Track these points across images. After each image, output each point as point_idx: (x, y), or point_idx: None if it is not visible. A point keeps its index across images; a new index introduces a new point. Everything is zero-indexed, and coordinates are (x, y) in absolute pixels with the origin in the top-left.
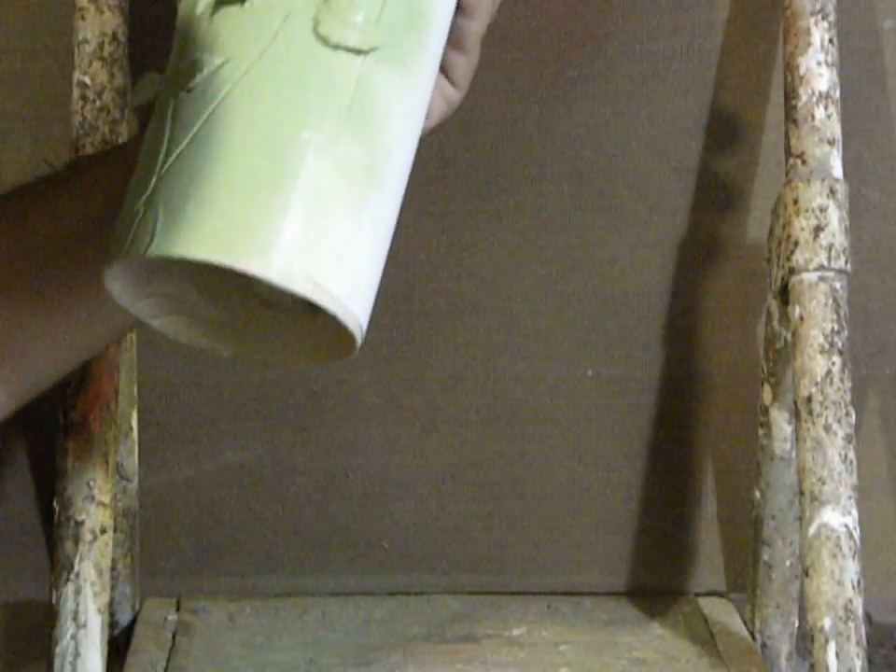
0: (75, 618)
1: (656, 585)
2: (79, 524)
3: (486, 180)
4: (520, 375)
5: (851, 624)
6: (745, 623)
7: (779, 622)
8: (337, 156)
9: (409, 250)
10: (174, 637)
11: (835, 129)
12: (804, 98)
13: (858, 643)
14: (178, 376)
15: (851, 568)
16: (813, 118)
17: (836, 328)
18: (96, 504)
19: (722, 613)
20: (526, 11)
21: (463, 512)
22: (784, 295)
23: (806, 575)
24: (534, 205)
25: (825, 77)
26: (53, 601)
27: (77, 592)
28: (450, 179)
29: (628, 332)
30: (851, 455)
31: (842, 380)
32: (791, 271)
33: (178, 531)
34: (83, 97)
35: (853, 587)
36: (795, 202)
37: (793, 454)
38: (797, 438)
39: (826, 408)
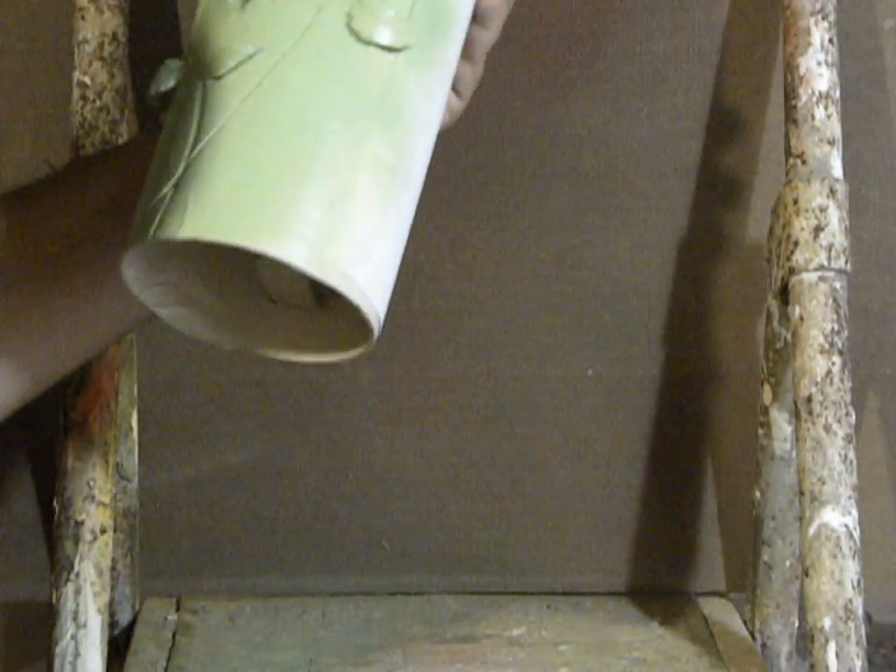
0: (75, 618)
1: (656, 585)
2: (79, 524)
3: (486, 180)
4: (520, 375)
5: (851, 624)
6: (745, 623)
7: (779, 622)
8: (365, 151)
9: (409, 250)
10: (174, 636)
11: (835, 129)
12: (804, 98)
13: (858, 643)
14: (178, 376)
15: (851, 568)
16: (813, 118)
17: (836, 328)
18: (96, 504)
19: (722, 613)
20: (527, 11)
21: (463, 512)
22: (784, 295)
23: (806, 575)
24: (534, 205)
25: (825, 77)
26: (53, 601)
27: (77, 592)
28: (450, 179)
29: (628, 332)
30: (851, 455)
31: (842, 380)
32: (791, 271)
33: (178, 531)
34: (83, 97)
35: (853, 587)
36: (795, 202)
37: (793, 454)
38: (797, 438)
39: (826, 408)
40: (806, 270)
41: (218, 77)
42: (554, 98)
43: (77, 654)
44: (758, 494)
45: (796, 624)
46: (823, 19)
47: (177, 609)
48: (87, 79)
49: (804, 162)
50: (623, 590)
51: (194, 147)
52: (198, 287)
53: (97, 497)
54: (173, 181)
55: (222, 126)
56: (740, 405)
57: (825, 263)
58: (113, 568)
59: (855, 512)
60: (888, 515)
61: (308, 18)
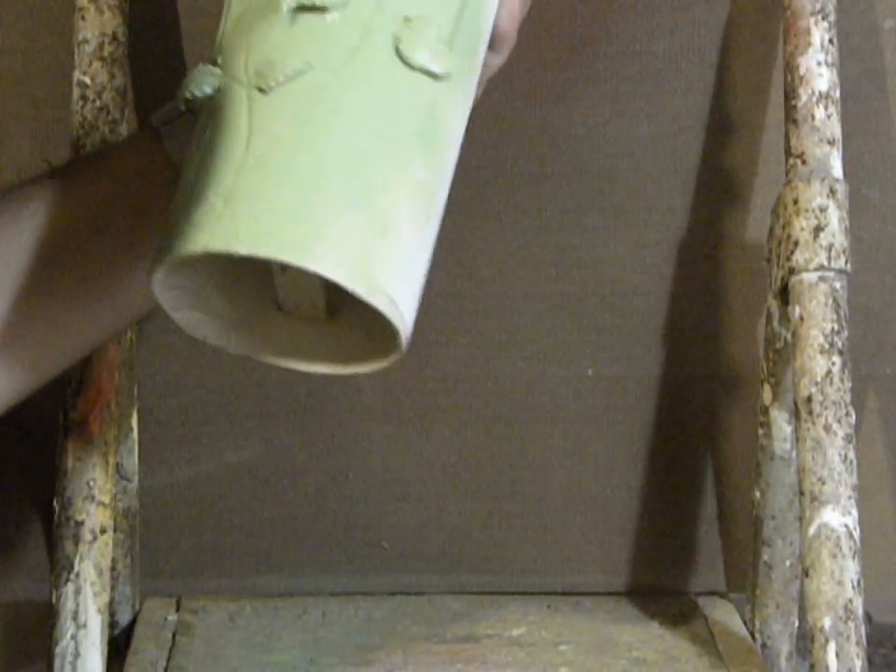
0: (75, 618)
1: (656, 585)
2: (79, 524)
3: (486, 180)
4: (520, 375)
5: (851, 624)
6: (745, 623)
7: (779, 622)
8: (409, 175)
9: None
10: (174, 636)
11: (835, 129)
12: (804, 98)
13: (858, 643)
14: (178, 376)
15: (851, 568)
16: (813, 118)
17: (836, 328)
18: (96, 504)
19: (722, 613)
20: (528, 10)
21: (463, 512)
22: (784, 295)
23: (806, 575)
24: (534, 205)
25: (825, 77)
26: (53, 601)
27: (77, 592)
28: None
29: (628, 332)
30: (851, 455)
31: (842, 380)
32: (791, 271)
33: (178, 531)
34: (83, 97)
35: (853, 587)
36: (795, 202)
37: (793, 454)
38: (797, 438)
39: (826, 408)
40: (806, 270)
41: (265, 90)
42: (554, 98)
43: (77, 654)
44: (758, 494)
45: (796, 624)
46: (823, 19)
47: (177, 609)
48: (87, 79)
49: (804, 162)
50: (622, 590)
51: (244, 160)
52: (210, 292)
53: (97, 497)
54: (222, 193)
55: (273, 141)
56: (740, 405)
57: (825, 263)
58: (113, 568)
59: (855, 512)
60: (888, 515)
61: (357, 38)
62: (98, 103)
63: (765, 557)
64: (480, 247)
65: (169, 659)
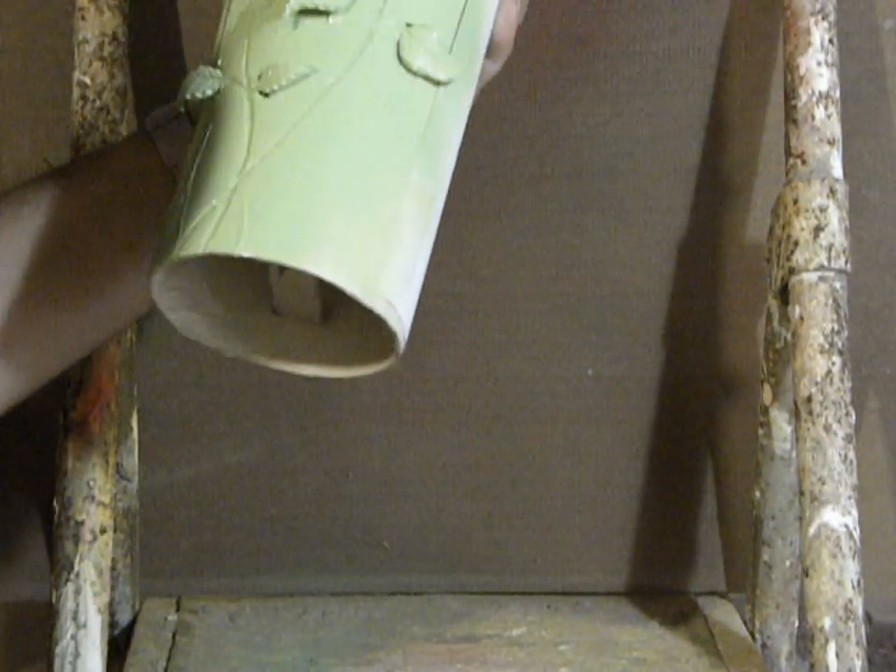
0: (75, 618)
1: (656, 585)
2: (79, 524)
3: (486, 180)
4: (520, 375)
5: (851, 624)
6: (745, 623)
7: (779, 622)
8: (411, 181)
9: None
10: (174, 636)
11: (835, 129)
12: (804, 98)
13: (858, 643)
14: (178, 376)
15: (851, 568)
16: (813, 118)
17: (836, 328)
18: (96, 504)
19: (722, 613)
20: (527, 11)
21: (463, 512)
22: (784, 295)
23: (806, 575)
24: (534, 205)
25: (825, 77)
26: (53, 601)
27: (77, 592)
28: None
29: (628, 332)
30: (851, 455)
31: (842, 380)
32: (791, 271)
33: (178, 531)
34: (83, 97)
35: (853, 587)
36: (795, 202)
37: (793, 454)
38: (797, 438)
39: (826, 408)
40: (806, 270)
41: (268, 94)
42: (554, 98)
43: (77, 654)
44: (758, 494)
45: (796, 624)
46: (823, 19)
47: (177, 609)
48: (87, 79)
49: (804, 162)
50: (622, 590)
51: (246, 163)
52: (205, 294)
53: (97, 497)
54: (224, 195)
55: (277, 145)
56: (740, 405)
57: (825, 263)
58: (113, 568)
59: (855, 512)
60: (888, 515)
61: (360, 43)
62: (98, 103)
63: (765, 557)
64: (480, 247)
65: (169, 659)
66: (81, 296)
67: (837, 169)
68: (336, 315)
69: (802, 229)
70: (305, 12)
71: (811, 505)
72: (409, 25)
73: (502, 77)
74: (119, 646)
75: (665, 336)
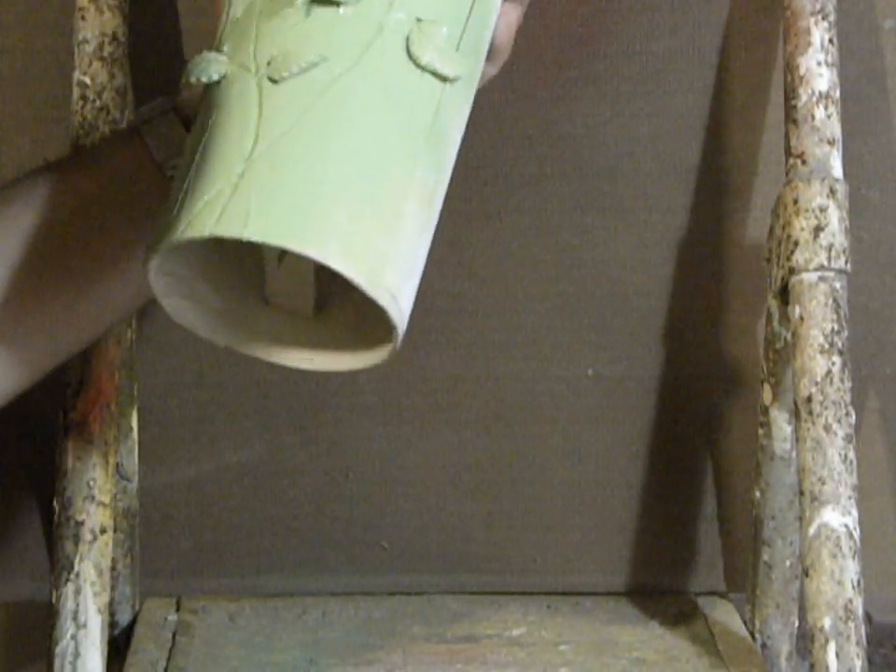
0: (75, 618)
1: (656, 585)
2: (79, 524)
3: (486, 180)
4: (520, 375)
5: (851, 624)
6: (745, 623)
7: (779, 622)
8: (415, 175)
9: None
10: (174, 636)
11: (835, 129)
12: (804, 98)
13: (858, 643)
14: (178, 376)
15: (851, 568)
16: (813, 118)
17: (836, 328)
18: (96, 504)
19: (722, 613)
20: (527, 11)
21: (463, 512)
22: (784, 295)
23: (806, 575)
24: (534, 205)
25: (825, 77)
26: (53, 601)
27: (77, 592)
28: (450, 179)
29: (628, 332)
30: (851, 455)
31: (842, 380)
32: (791, 271)
33: (178, 531)
34: (83, 97)
35: (853, 587)
36: (795, 202)
37: (793, 454)
38: (797, 438)
39: (826, 408)
40: (806, 270)
41: (276, 81)
42: (554, 98)
43: (77, 654)
44: (758, 494)
45: (796, 624)
46: (823, 19)
47: (177, 609)
48: (87, 79)
49: (804, 162)
50: (622, 590)
51: (254, 149)
52: (200, 282)
53: (97, 497)
54: (231, 179)
55: (285, 132)
56: (740, 405)
57: (825, 263)
58: (113, 568)
59: (855, 512)
60: (888, 515)
61: (370, 35)
62: (98, 103)
63: (765, 557)
64: (480, 247)
65: (169, 659)
66: (72, 292)
67: (837, 169)
68: (328, 308)
69: (802, 229)
70: (317, 1)
71: (811, 505)
72: (419, 20)
73: (502, 77)
74: (119, 646)
75: (665, 336)
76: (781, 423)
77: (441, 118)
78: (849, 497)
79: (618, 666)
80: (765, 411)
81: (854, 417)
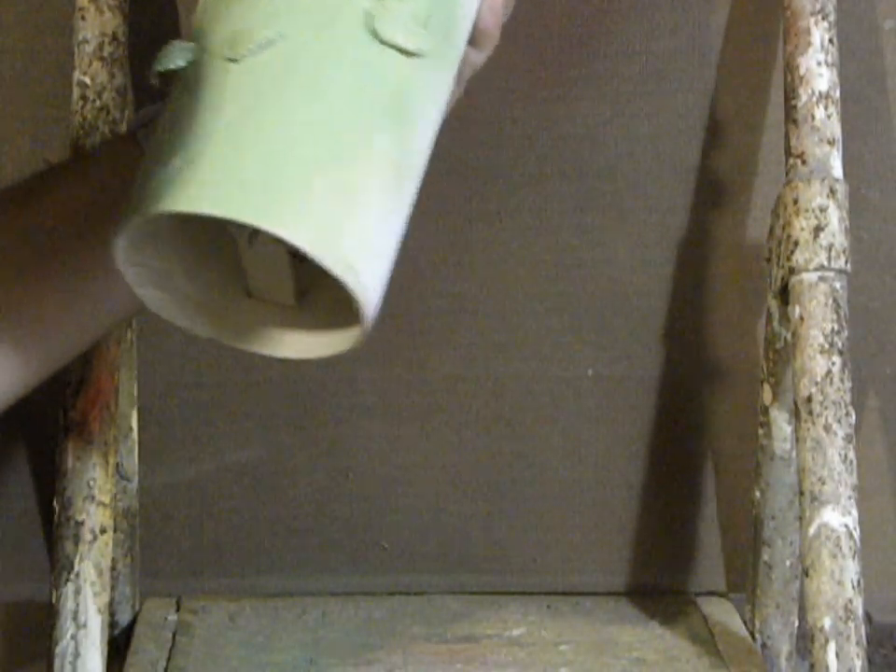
0: (75, 618)
1: (656, 585)
2: (79, 524)
3: (486, 180)
4: (520, 375)
5: (851, 624)
6: (745, 623)
7: (779, 622)
8: (376, 148)
9: (408, 250)
10: (174, 636)
11: (835, 129)
12: (804, 98)
13: (858, 643)
14: (178, 376)
15: (851, 568)
16: (813, 118)
17: (836, 328)
18: (96, 504)
19: (722, 613)
20: (526, 11)
21: (463, 512)
22: (784, 295)
23: (806, 575)
24: (534, 205)
25: (825, 77)
26: (53, 601)
27: (77, 592)
28: (450, 179)
29: (628, 332)
30: (851, 455)
31: (842, 380)
32: (791, 271)
33: (178, 531)
34: (83, 97)
35: (853, 587)
36: (795, 202)
37: (793, 454)
38: (797, 438)
39: (826, 408)
40: (806, 270)
41: (236, 59)
42: (554, 98)
43: (77, 654)
44: (758, 494)
45: (796, 624)
46: (823, 19)
47: (177, 609)
48: (87, 79)
49: (804, 162)
50: (622, 590)
51: (212, 125)
52: (176, 273)
53: (97, 497)
54: (187, 156)
55: (242, 110)
56: (740, 405)
57: (825, 263)
58: (113, 568)
59: (855, 512)
60: (888, 515)
61: (329, 11)
62: (98, 103)
63: (765, 557)
64: (480, 247)
65: (169, 659)
66: (69, 296)
67: (837, 169)
68: (309, 297)
69: (802, 229)
70: None
71: (811, 505)
72: None
73: (502, 77)
74: (119, 646)
75: (665, 336)
76: (781, 423)
77: (406, 92)
78: (849, 497)
79: (618, 666)
80: (765, 411)
81: (854, 417)
